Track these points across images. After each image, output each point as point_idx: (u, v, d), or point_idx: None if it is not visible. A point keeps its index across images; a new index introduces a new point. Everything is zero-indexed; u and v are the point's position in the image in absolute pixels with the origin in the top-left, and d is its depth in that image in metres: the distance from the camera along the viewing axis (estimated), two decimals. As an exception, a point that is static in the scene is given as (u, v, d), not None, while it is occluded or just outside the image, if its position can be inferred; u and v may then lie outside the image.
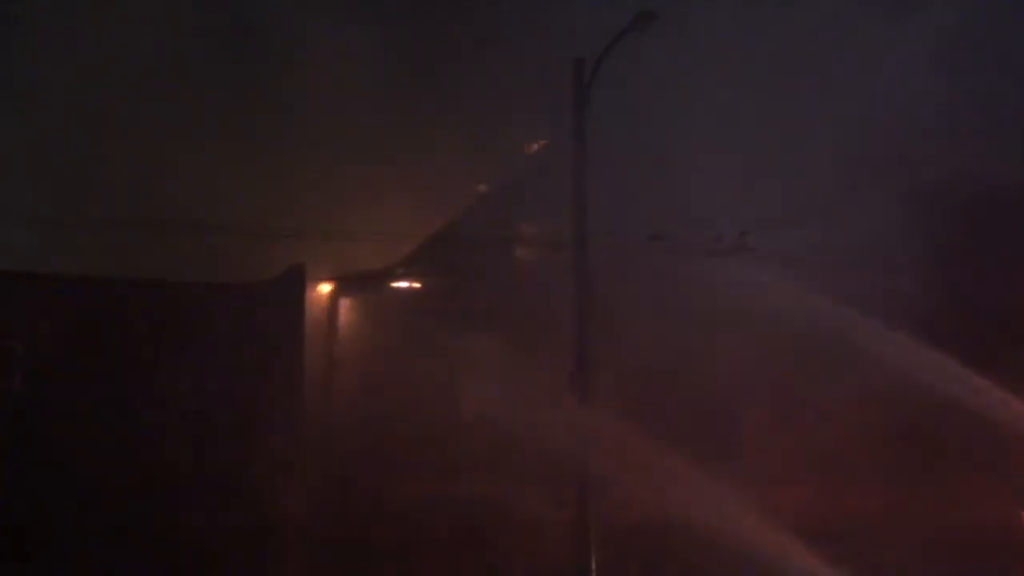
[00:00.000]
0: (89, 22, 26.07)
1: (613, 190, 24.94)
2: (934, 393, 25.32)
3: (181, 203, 25.36)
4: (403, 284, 26.95)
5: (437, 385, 25.60)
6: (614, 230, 25.13)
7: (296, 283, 25.34)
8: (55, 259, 24.53)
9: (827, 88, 26.64)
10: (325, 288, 26.84)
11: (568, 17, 25.26)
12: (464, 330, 25.15)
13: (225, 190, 25.45)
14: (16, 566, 23.23)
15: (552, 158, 25.22)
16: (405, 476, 25.49)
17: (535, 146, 26.36)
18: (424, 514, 25.23)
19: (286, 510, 24.32)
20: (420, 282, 26.86)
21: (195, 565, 23.59)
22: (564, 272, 24.29)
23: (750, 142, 26.23)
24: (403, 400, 25.40)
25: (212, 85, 26.03)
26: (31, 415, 23.97)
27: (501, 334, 24.99)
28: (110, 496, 23.61)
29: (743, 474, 24.25)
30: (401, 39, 26.61)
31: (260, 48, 26.53)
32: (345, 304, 27.04)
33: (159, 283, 24.87)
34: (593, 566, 23.37)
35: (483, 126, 25.91)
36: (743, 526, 23.45)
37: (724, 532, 23.28)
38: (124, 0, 26.34)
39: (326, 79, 26.40)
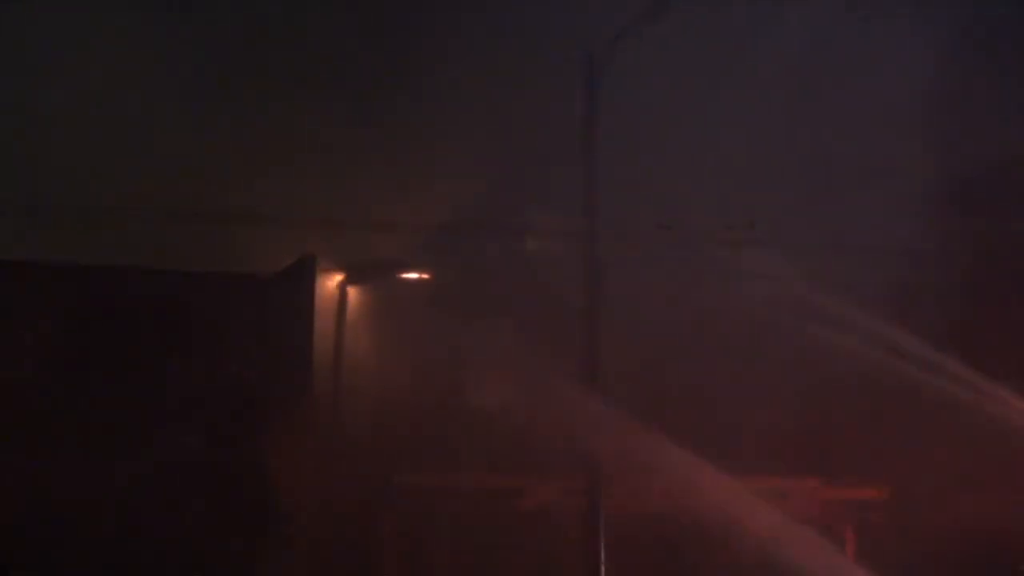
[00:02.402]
0: (91, 7, 25.95)
1: (623, 179, 24.91)
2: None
3: (190, 192, 25.26)
4: (412, 274, 26.90)
5: (446, 375, 25.58)
6: (624, 219, 25.18)
7: (306, 273, 25.21)
8: (63, 248, 24.39)
9: (844, 73, 26.58)
10: (334, 278, 26.79)
11: (581, 7, 25.16)
12: (473, 320, 25.12)
13: (233, 179, 25.32)
14: (21, 556, 23.17)
15: (562, 147, 25.18)
16: (413, 466, 25.52)
17: (545, 135, 26.27)
18: (430, 504, 25.26)
19: (293, 501, 24.26)
20: (429, 272, 26.81)
21: (200, 556, 23.52)
22: (574, 261, 24.36)
23: (762, 130, 26.16)
24: (411, 390, 25.38)
25: (219, 71, 25.88)
26: (39, 405, 23.88)
27: (510, 323, 25.00)
28: (109, 489, 23.54)
29: (755, 464, 24.27)
30: (409, 27, 26.49)
31: (267, 35, 26.37)
32: (353, 294, 26.99)
33: (167, 273, 24.74)
34: (602, 557, 23.45)
35: (494, 115, 25.84)
36: (753, 516, 23.47)
37: (735, 522, 23.30)
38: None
39: (333, 67, 26.29)
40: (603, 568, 23.43)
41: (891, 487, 26.01)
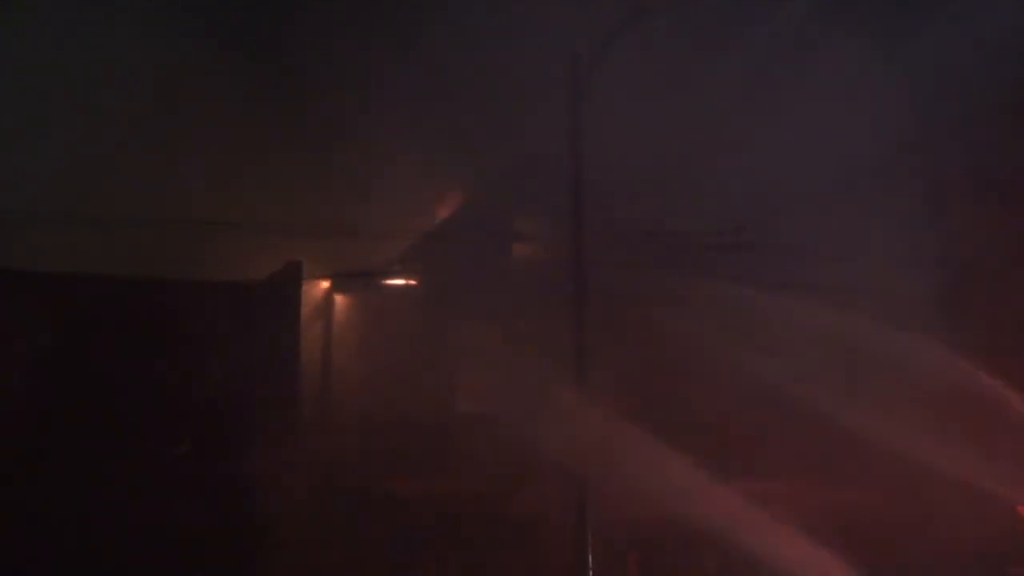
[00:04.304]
0: (87, 16, 25.97)
1: (611, 184, 24.90)
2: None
3: (176, 201, 25.27)
4: (399, 281, 26.92)
5: (433, 382, 25.61)
6: (612, 225, 25.18)
7: (292, 280, 25.34)
8: (52, 258, 24.44)
9: (834, 76, 26.54)
10: (321, 285, 26.82)
11: (567, 12, 25.17)
12: (461, 327, 25.14)
13: (219, 187, 25.36)
14: (17, 565, 23.21)
15: (549, 153, 25.18)
16: (401, 473, 25.53)
17: (532, 141, 26.30)
18: (420, 511, 25.26)
19: (282, 508, 24.27)
20: (416, 279, 26.83)
21: (191, 563, 23.54)
22: (562, 268, 24.34)
23: (752, 134, 26.14)
24: (399, 397, 25.41)
25: (207, 82, 25.94)
26: (29, 415, 23.92)
27: (498, 330, 25.00)
28: (108, 495, 23.57)
29: (742, 469, 24.25)
30: (396, 33, 26.52)
31: (255, 45, 26.46)
32: (341, 301, 27.03)
33: (156, 281, 24.80)
34: (591, 562, 23.41)
35: (480, 120, 25.87)
36: (741, 521, 23.44)
37: (722, 528, 23.28)
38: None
39: (320, 74, 26.35)
40: (591, 573, 23.41)
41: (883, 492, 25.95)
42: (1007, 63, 27.05)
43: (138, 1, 26.19)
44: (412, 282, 26.78)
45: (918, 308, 26.66)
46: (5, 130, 25.07)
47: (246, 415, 24.21)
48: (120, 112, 25.85)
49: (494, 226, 26.66)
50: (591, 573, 23.29)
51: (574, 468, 23.42)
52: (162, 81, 26.02)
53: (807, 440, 25.45)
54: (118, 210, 24.75)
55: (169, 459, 24.09)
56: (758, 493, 24.18)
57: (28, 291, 24.13)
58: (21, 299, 24.04)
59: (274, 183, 25.68)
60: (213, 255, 24.82)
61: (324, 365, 26.50)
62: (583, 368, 23.84)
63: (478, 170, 26.32)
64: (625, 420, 23.56)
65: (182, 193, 25.29)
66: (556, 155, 24.59)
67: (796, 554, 23.10)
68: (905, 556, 24.81)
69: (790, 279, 26.08)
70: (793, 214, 26.24)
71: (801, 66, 26.58)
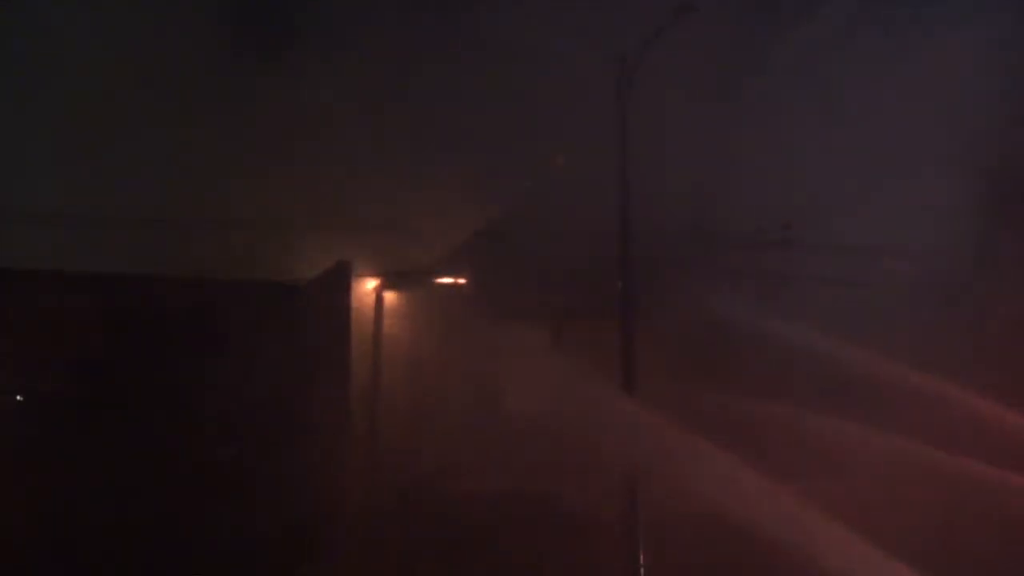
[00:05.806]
0: (104, 10, 25.93)
1: (657, 183, 24.89)
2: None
3: (222, 199, 25.24)
4: (448, 280, 26.88)
5: (482, 381, 25.54)
6: (658, 224, 25.16)
7: (342, 280, 25.33)
8: (99, 258, 24.46)
9: (878, 71, 26.47)
10: (370, 284, 26.78)
11: (614, 10, 25.16)
12: (509, 324, 25.10)
13: (267, 186, 25.31)
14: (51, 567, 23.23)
15: (595, 152, 25.19)
16: (450, 472, 25.48)
17: (578, 141, 26.27)
18: (469, 510, 25.21)
19: (330, 508, 24.26)
20: (465, 278, 26.79)
21: (236, 566, 23.53)
22: (609, 266, 24.35)
23: (796, 130, 26.09)
24: (448, 396, 25.37)
25: (253, 78, 25.87)
26: (64, 417, 23.93)
27: (547, 329, 25.01)
28: (148, 499, 23.57)
29: (793, 467, 24.12)
30: (444, 32, 26.49)
31: (304, 40, 26.38)
32: (390, 300, 26.97)
33: (199, 281, 24.80)
34: (642, 560, 23.40)
35: (527, 119, 25.80)
36: (793, 520, 23.33)
37: (775, 526, 23.16)
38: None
39: (370, 72, 26.26)
40: (642, 572, 23.38)
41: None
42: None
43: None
44: (461, 281, 26.73)
45: (967, 304, 26.58)
46: (56, 128, 25.04)
47: (295, 416, 24.18)
48: (163, 111, 25.75)
49: (541, 225, 26.59)
50: (642, 571, 23.32)
51: (625, 467, 23.45)
52: (208, 76, 25.90)
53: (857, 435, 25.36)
54: (164, 210, 24.87)
55: (217, 461, 24.04)
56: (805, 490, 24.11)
57: (77, 291, 24.17)
58: (71, 299, 24.08)
59: (323, 182, 25.60)
60: (262, 254, 24.82)
61: (374, 364, 26.42)
62: (632, 366, 23.89)
63: (526, 168, 26.23)
64: (675, 419, 23.53)
65: (229, 192, 25.19)
66: (603, 154, 24.64)
67: (851, 552, 23.00)
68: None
69: (838, 276, 26.12)
70: (841, 212, 26.21)
71: (849, 62, 26.55)
